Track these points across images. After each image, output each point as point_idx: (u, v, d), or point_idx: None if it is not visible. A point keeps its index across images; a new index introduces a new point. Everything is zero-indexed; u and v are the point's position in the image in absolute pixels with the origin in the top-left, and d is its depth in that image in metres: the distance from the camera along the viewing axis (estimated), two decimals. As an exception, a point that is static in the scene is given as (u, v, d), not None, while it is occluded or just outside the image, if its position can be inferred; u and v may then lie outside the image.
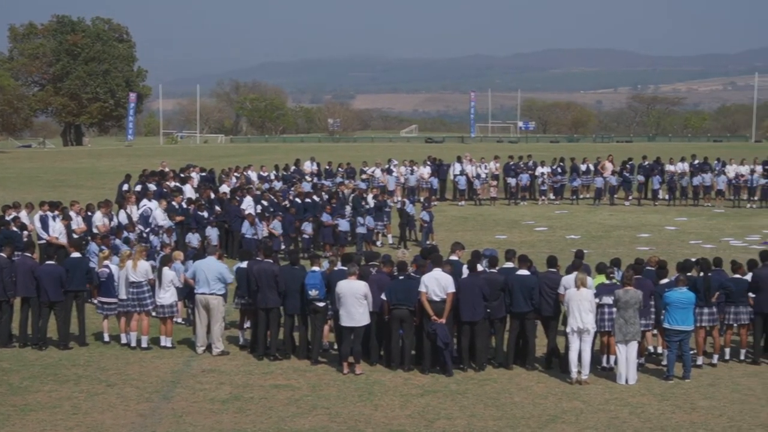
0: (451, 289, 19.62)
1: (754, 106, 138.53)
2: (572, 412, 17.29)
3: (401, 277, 20.16)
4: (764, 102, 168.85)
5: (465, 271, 20.75)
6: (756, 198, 49.57)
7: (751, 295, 21.00)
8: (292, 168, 49.45)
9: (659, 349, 21.18)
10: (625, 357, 19.10)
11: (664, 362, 20.07)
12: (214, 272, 21.27)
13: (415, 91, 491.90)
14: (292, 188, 41.21)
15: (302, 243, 33.83)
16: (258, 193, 38.16)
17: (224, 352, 21.17)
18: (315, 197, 37.06)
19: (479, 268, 20.70)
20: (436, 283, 19.65)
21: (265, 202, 35.74)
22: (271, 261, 21.69)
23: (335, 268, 21.23)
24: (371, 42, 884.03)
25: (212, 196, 36.56)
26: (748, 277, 21.13)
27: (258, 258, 21.74)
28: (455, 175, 51.60)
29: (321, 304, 20.49)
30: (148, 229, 30.69)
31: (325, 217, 34.04)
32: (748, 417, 17.06)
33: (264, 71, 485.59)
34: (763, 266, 21.24)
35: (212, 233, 31.58)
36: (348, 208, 36.23)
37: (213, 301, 21.17)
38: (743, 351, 21.05)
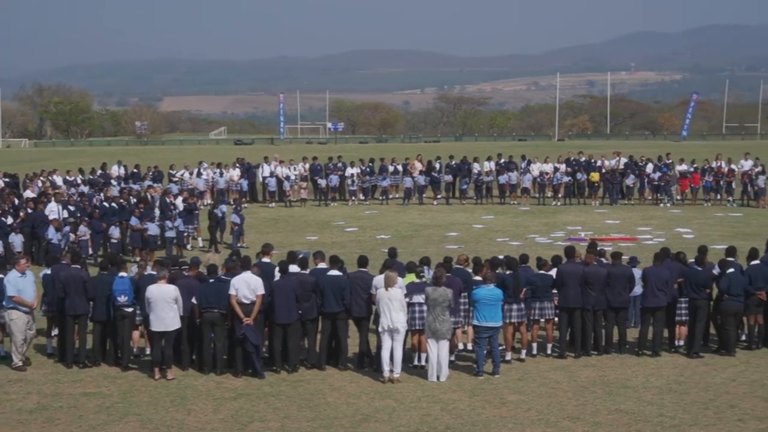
0: (261, 291, 19.58)
1: (556, 105, 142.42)
2: (385, 410, 17.43)
3: (211, 280, 20.04)
4: (566, 101, 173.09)
5: (276, 274, 20.72)
6: (560, 195, 50.79)
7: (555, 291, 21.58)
8: (99, 172, 48.59)
9: (469, 346, 21.55)
10: (436, 354, 19.32)
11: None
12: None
13: (223, 93, 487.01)
14: (100, 192, 40.56)
15: (110, 248, 33.28)
16: (64, 198, 37.43)
17: (22, 365, 20.42)
18: (122, 201, 36.55)
19: (294, 269, 20.76)
20: (246, 285, 19.58)
21: (71, 207, 35.11)
22: (79, 267, 21.28)
23: (144, 273, 21.01)
24: (175, 44, 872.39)
25: (16, 201, 35.71)
26: (553, 272, 21.67)
27: (65, 263, 21.35)
28: (265, 177, 51.48)
29: (129, 310, 20.20)
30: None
31: (134, 221, 33.53)
32: (556, 410, 17.47)
33: (69, 74, 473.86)
34: (567, 262, 21.81)
35: (16, 240, 30.84)
36: (157, 212, 35.77)
37: None
38: (550, 345, 21.60)
